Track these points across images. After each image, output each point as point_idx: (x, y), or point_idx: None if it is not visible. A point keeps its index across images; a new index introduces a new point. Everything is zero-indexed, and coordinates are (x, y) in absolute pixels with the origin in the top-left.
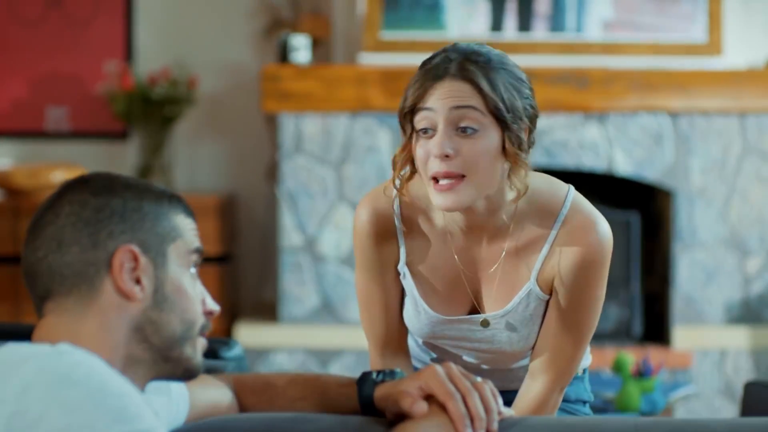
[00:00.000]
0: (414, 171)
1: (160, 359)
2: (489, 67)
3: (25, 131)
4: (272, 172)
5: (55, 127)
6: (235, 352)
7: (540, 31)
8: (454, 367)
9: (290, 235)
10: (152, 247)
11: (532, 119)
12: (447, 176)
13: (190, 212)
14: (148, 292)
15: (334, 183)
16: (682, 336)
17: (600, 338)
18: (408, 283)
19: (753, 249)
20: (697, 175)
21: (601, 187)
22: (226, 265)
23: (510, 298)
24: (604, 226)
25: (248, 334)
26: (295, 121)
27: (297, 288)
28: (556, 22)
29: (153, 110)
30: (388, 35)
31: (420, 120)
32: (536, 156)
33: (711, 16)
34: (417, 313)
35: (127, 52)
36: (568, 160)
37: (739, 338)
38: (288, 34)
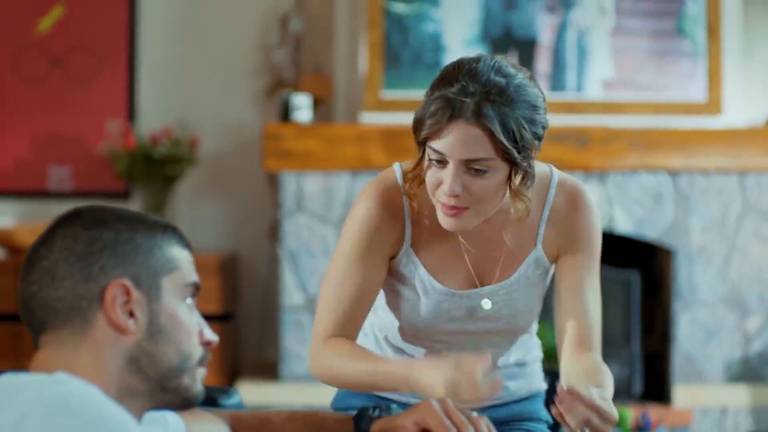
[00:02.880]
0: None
1: (158, 390)
2: (506, 104)
3: (27, 190)
4: (274, 231)
5: (58, 186)
6: (234, 400)
7: None
8: (450, 402)
9: (291, 294)
10: (145, 280)
11: (542, 136)
12: (453, 208)
13: (186, 243)
14: (142, 324)
15: (335, 242)
16: (682, 394)
17: None
18: (410, 267)
19: (753, 307)
20: (697, 233)
21: (601, 246)
22: (227, 323)
23: (515, 270)
24: (587, 189)
25: (249, 393)
26: (297, 179)
27: (298, 346)
28: (557, 81)
29: (155, 169)
30: (389, 95)
31: (432, 154)
32: None
33: (711, 75)
34: (424, 294)
35: (130, 112)
36: None
37: (739, 396)
38: (289, 94)
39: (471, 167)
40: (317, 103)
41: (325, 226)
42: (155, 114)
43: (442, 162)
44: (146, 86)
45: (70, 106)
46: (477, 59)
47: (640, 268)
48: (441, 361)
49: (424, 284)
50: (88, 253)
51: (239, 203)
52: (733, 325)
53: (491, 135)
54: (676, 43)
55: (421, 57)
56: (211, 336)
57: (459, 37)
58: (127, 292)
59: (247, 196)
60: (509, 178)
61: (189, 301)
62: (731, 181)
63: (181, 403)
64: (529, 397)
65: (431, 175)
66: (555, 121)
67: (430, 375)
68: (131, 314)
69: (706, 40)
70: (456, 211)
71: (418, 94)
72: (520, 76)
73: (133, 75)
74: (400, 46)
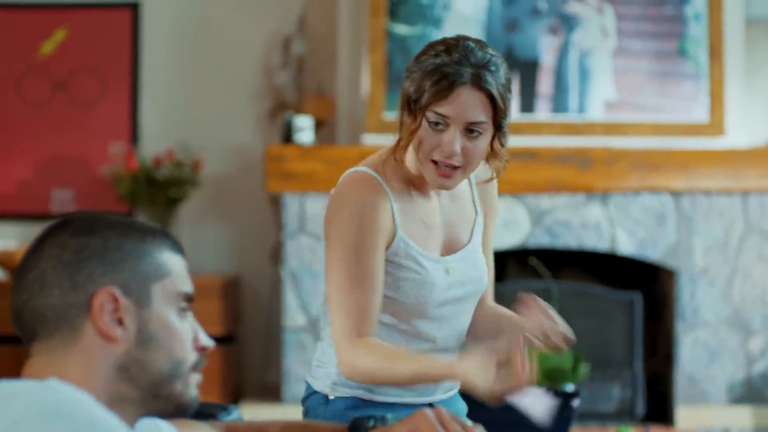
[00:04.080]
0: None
1: (149, 397)
2: (496, 73)
3: (30, 213)
4: (277, 253)
5: (61, 209)
6: (233, 416)
7: (543, 112)
8: (444, 411)
9: (294, 316)
10: (134, 287)
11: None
12: (448, 166)
13: (179, 249)
14: (131, 332)
15: None
16: (685, 416)
17: (602, 418)
18: (406, 250)
19: (756, 328)
20: (700, 254)
21: (603, 267)
22: (229, 345)
23: (471, 233)
24: None
25: (252, 415)
26: (299, 200)
27: (300, 368)
28: (559, 103)
29: (157, 192)
30: (392, 116)
31: (433, 117)
32: (538, 236)
33: (713, 96)
34: (423, 270)
35: (133, 135)
36: (571, 240)
37: (742, 418)
38: (292, 115)
39: (470, 129)
40: (319, 125)
41: None
42: (158, 136)
43: (442, 125)
44: (149, 109)
45: (72, 129)
46: (459, 38)
47: (642, 290)
48: (477, 356)
49: (419, 260)
50: (76, 261)
51: (242, 225)
52: (735, 346)
53: (491, 99)
54: (678, 65)
55: None
56: (207, 341)
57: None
58: (115, 300)
59: (249, 218)
60: (492, 140)
61: (183, 305)
62: (734, 202)
63: (175, 409)
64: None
65: (429, 138)
66: (557, 142)
67: (472, 370)
68: (120, 322)
69: (708, 61)
70: (451, 171)
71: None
72: (496, 53)
73: (136, 98)
74: (403, 67)
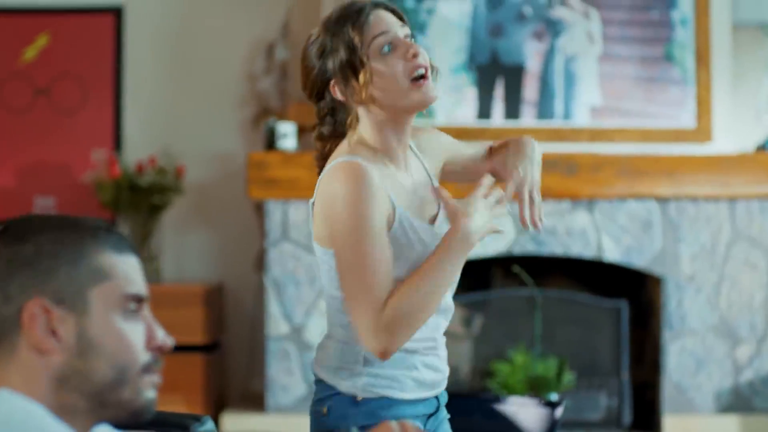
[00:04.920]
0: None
1: (97, 405)
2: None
3: None
4: (261, 261)
5: None
6: (207, 427)
7: (528, 118)
8: (410, 424)
9: (277, 324)
10: (69, 295)
11: None
12: (426, 68)
13: (126, 248)
14: (69, 341)
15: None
16: (672, 425)
17: (589, 426)
18: (409, 225)
19: (743, 336)
20: (687, 261)
21: (589, 275)
22: (212, 354)
23: (437, 203)
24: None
25: (235, 423)
26: (282, 208)
27: (284, 377)
28: (544, 109)
29: (140, 199)
30: None
31: (380, 42)
32: (524, 243)
33: (700, 102)
34: (428, 242)
35: (116, 141)
36: (556, 248)
37: (729, 427)
38: (275, 122)
39: (407, 34)
40: (302, 131)
41: (311, 254)
42: (141, 143)
43: (390, 47)
44: (132, 115)
45: (55, 136)
46: None
47: (628, 297)
48: (463, 205)
49: (420, 235)
50: (7, 272)
51: (225, 232)
52: (723, 354)
53: (399, 15)
54: (665, 70)
55: None
56: (163, 340)
57: (445, 64)
58: (47, 311)
59: (233, 225)
60: None
61: (131, 307)
62: (721, 209)
63: (129, 416)
64: None
65: (394, 64)
66: (542, 148)
67: (470, 222)
68: (54, 333)
69: (695, 66)
70: (428, 77)
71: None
72: None
73: (119, 104)
74: None
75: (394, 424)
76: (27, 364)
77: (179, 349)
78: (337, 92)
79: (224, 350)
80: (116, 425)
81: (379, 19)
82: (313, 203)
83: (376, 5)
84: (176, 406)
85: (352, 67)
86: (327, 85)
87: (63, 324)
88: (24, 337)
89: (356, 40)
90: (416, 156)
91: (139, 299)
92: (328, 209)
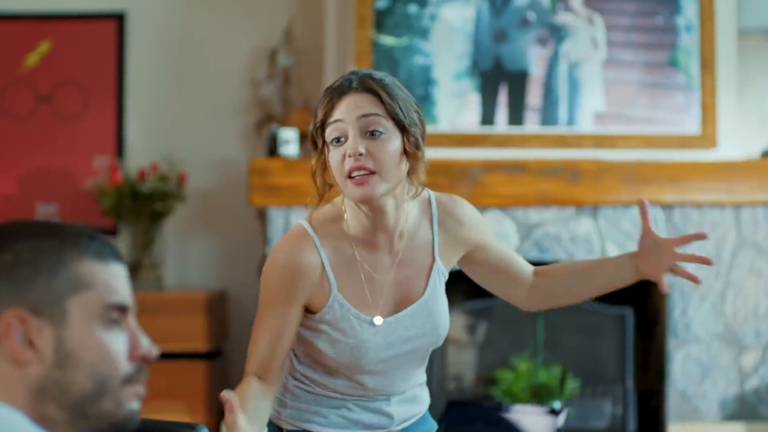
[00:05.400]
0: (328, 187)
1: (77, 417)
2: (386, 83)
3: None
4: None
5: None
6: None
7: (531, 124)
8: None
9: None
10: (47, 305)
11: (423, 133)
12: (360, 169)
13: (110, 255)
14: (45, 353)
15: None
16: None
17: None
18: (340, 311)
19: (749, 344)
20: (691, 268)
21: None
22: (215, 361)
23: (425, 285)
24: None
25: None
26: (285, 215)
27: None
28: (548, 115)
29: (142, 206)
30: None
31: (332, 132)
32: (527, 250)
33: (705, 108)
34: (361, 332)
35: (118, 148)
36: (560, 254)
37: None
38: (277, 128)
39: (368, 130)
40: (304, 138)
41: None
42: (143, 150)
43: (341, 137)
44: (134, 122)
45: (57, 143)
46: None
47: (633, 305)
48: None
49: (353, 324)
50: None
51: (228, 239)
52: (728, 361)
53: (380, 99)
54: (670, 76)
55: (410, 90)
56: (147, 350)
57: (449, 70)
58: (24, 321)
59: (236, 232)
60: (404, 150)
61: (114, 316)
62: (726, 216)
63: (110, 428)
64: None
65: (336, 155)
66: (546, 154)
67: None
68: (32, 344)
69: (700, 72)
70: (364, 177)
71: None
72: (395, 79)
73: (121, 111)
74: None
75: None
76: (4, 375)
77: (181, 356)
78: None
79: (227, 357)
80: None
81: (345, 104)
82: None
83: (360, 84)
84: (178, 414)
85: (313, 141)
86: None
87: (40, 335)
88: (1, 347)
89: (319, 116)
90: (433, 234)
91: (121, 308)
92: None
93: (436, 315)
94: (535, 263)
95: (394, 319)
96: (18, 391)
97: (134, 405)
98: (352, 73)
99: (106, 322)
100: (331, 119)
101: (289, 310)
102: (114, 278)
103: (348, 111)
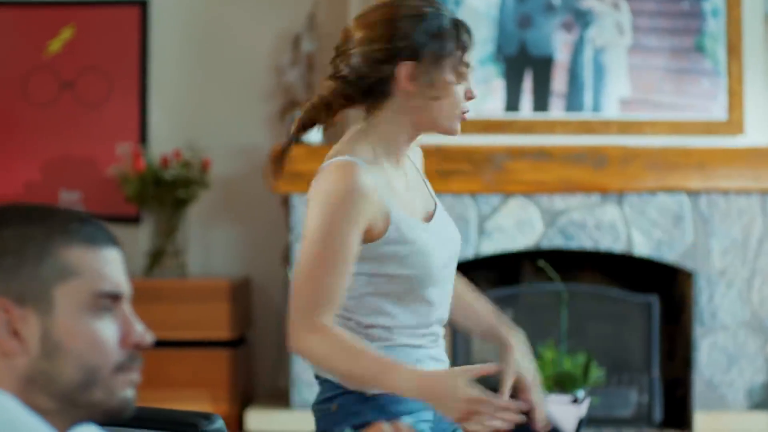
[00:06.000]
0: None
1: (68, 406)
2: None
3: None
4: (288, 255)
5: None
6: (216, 425)
7: (557, 111)
8: (404, 425)
9: None
10: (32, 294)
11: None
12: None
13: (103, 240)
14: (32, 343)
15: None
16: (703, 421)
17: (619, 423)
18: (406, 224)
19: None
20: (718, 256)
21: (619, 269)
22: (238, 349)
23: (428, 192)
24: None
25: (260, 420)
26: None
27: (310, 373)
28: (573, 101)
29: (165, 193)
30: None
31: (463, 72)
32: (552, 237)
33: (731, 93)
34: (420, 236)
35: (141, 135)
36: (585, 242)
37: (761, 423)
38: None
39: None
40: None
41: None
42: (167, 137)
43: (464, 76)
44: (157, 109)
45: (80, 130)
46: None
47: (659, 292)
48: (450, 377)
49: (417, 231)
50: None
51: (253, 227)
52: (755, 349)
53: None
54: (696, 61)
55: None
56: (140, 337)
57: (473, 55)
58: (8, 311)
59: (260, 219)
60: None
61: (105, 304)
62: (752, 202)
63: (103, 416)
64: None
65: (460, 91)
66: (571, 141)
67: (439, 392)
68: (17, 334)
69: (727, 57)
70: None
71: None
72: None
73: (144, 97)
74: None
75: (386, 425)
76: None
77: (205, 344)
78: (401, 69)
79: (250, 346)
80: (102, 424)
81: (471, 54)
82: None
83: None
84: (201, 402)
85: (455, 66)
86: (395, 55)
87: (26, 325)
88: None
89: (464, 50)
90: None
91: (113, 296)
92: (311, 192)
93: (449, 220)
94: (560, 251)
95: (433, 222)
96: (7, 382)
97: (128, 393)
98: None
99: (96, 310)
100: (468, 61)
101: (355, 239)
102: (105, 264)
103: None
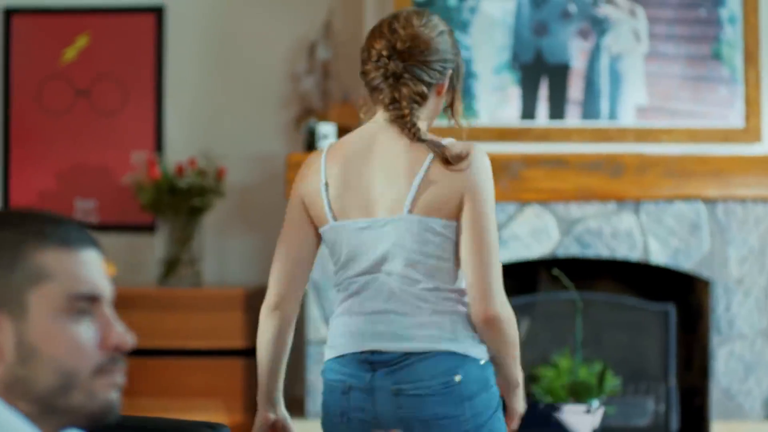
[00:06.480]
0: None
1: (47, 412)
2: None
3: None
4: None
5: (84, 219)
6: None
7: (573, 118)
8: None
9: (317, 328)
10: (5, 300)
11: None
12: None
13: (80, 241)
14: (8, 349)
15: None
16: (720, 431)
17: None
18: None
19: None
20: (735, 264)
21: (636, 278)
22: (253, 358)
23: None
24: None
25: None
26: None
27: None
28: (589, 109)
29: (180, 201)
30: None
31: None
32: (568, 245)
33: (748, 101)
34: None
35: (156, 143)
36: (602, 250)
37: None
38: (315, 122)
39: None
40: (343, 132)
41: None
42: (182, 145)
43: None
44: (172, 117)
45: (95, 138)
46: None
47: (676, 301)
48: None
49: None
50: None
51: (267, 235)
52: None
53: None
54: (713, 69)
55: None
56: (120, 339)
57: (489, 63)
58: None
59: (275, 228)
60: None
61: (81, 307)
62: None
63: (87, 420)
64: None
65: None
66: (587, 148)
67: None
68: None
69: (744, 65)
70: None
71: (447, 121)
72: None
73: (160, 105)
74: None
75: None
76: None
77: (219, 353)
78: (444, 86)
79: None
80: (90, 430)
81: None
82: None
83: None
84: (216, 411)
85: (463, 87)
86: (444, 72)
87: (0, 331)
88: None
89: (463, 70)
90: None
91: (90, 298)
92: (484, 182)
93: None
94: (576, 260)
95: None
96: None
97: (110, 395)
98: None
99: (73, 313)
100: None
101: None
102: (81, 266)
103: None
